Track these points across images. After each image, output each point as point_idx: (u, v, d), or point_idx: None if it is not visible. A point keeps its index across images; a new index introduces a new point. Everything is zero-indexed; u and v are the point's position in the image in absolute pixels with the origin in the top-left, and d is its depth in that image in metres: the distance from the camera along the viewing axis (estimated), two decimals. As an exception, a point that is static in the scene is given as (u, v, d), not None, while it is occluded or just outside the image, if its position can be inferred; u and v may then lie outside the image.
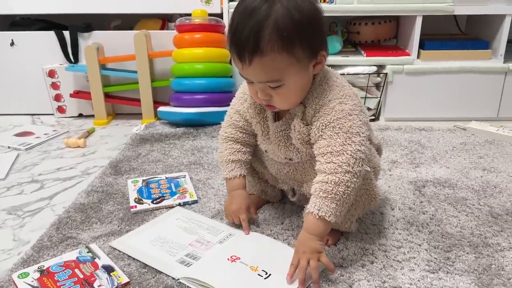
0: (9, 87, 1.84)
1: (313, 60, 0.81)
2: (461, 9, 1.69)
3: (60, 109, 1.84)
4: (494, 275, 0.84)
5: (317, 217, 0.80)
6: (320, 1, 1.75)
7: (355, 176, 0.80)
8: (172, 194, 1.13)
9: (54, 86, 1.81)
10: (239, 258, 0.86)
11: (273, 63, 0.77)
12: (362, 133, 0.83)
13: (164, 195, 1.13)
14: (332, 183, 0.80)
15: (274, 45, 0.75)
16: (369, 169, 0.83)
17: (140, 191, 1.14)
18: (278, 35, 0.75)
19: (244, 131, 0.99)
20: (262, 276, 0.83)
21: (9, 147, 1.53)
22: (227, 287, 0.80)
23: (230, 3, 1.73)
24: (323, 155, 0.82)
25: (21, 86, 1.83)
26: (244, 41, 0.76)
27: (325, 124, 0.82)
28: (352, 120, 0.82)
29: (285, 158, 0.94)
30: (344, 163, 0.80)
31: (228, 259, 0.87)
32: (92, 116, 1.82)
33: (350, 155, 0.80)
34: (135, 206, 1.08)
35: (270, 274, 0.83)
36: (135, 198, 1.11)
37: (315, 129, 0.84)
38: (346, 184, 0.80)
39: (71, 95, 1.80)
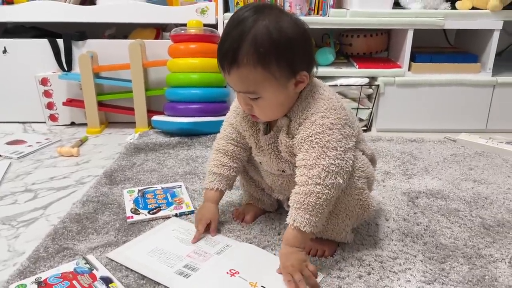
0: (0, 94, 1.82)
1: (291, 79, 0.83)
2: (451, 24, 1.73)
3: (52, 117, 1.83)
4: (488, 286, 0.86)
5: (293, 227, 0.83)
6: (313, 14, 1.78)
7: (327, 188, 0.82)
8: (169, 204, 1.13)
9: (47, 94, 1.80)
10: (238, 273, 0.86)
11: (248, 76, 0.81)
12: (340, 147, 0.84)
13: (161, 205, 1.13)
14: (303, 193, 0.82)
15: (250, 59, 0.79)
16: (342, 182, 0.84)
17: (136, 201, 1.14)
18: (255, 50, 0.79)
19: (236, 144, 1.01)
20: None
21: (0, 155, 1.51)
22: None
23: (225, 14, 1.75)
24: (298, 167, 0.85)
25: (13, 93, 1.82)
26: (225, 51, 0.81)
27: (304, 138, 0.85)
28: (331, 134, 0.84)
29: (278, 170, 0.96)
30: (315, 175, 0.82)
31: (227, 272, 0.87)
32: (84, 124, 1.81)
33: (322, 168, 0.82)
34: (132, 217, 1.08)
35: None
36: (132, 209, 1.11)
37: (296, 143, 0.86)
38: (317, 195, 0.82)
39: (64, 103, 1.79)
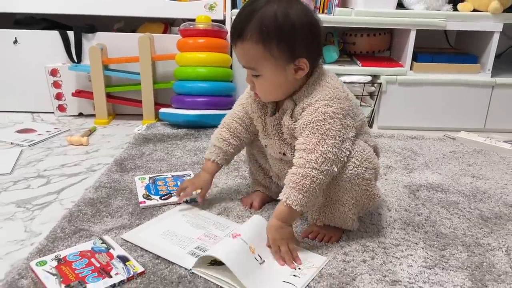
0: (10, 84, 1.85)
1: (290, 64, 0.89)
2: (452, 25, 1.77)
3: (61, 108, 1.86)
4: (486, 271, 0.90)
5: (285, 204, 0.88)
6: (319, 12, 1.82)
7: (322, 173, 0.87)
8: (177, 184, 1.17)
9: (56, 84, 1.83)
10: (240, 235, 0.90)
11: (250, 51, 0.88)
12: (339, 137, 0.89)
13: (171, 192, 1.16)
14: (300, 175, 0.87)
15: (253, 35, 0.87)
16: (336, 170, 0.89)
17: (148, 188, 1.18)
18: (259, 28, 0.86)
19: (240, 123, 1.06)
20: (257, 261, 0.87)
21: (12, 143, 1.54)
22: (231, 264, 0.82)
23: (233, 10, 1.78)
24: (298, 150, 0.90)
25: (22, 83, 1.85)
26: (236, 26, 0.89)
27: (306, 123, 0.89)
28: (332, 123, 0.88)
29: (280, 152, 1.00)
30: (313, 160, 0.87)
31: (229, 236, 0.91)
32: (92, 115, 1.85)
33: (320, 154, 0.87)
34: (144, 202, 1.11)
35: (264, 261, 0.88)
36: (143, 194, 1.15)
37: (298, 127, 0.91)
38: (312, 179, 0.86)
39: (73, 94, 1.82)
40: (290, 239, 0.91)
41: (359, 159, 0.91)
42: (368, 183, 0.94)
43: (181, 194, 1.09)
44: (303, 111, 0.91)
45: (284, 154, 0.99)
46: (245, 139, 1.08)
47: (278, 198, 0.90)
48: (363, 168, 0.92)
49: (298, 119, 0.91)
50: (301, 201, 0.87)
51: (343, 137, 0.89)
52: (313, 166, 0.87)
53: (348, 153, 0.90)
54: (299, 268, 0.88)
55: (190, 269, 0.87)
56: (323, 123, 0.88)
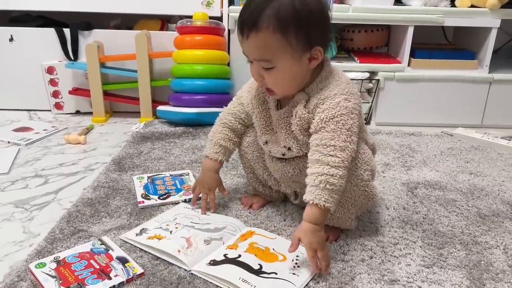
0: (6, 82, 1.84)
1: (307, 52, 0.86)
2: (450, 21, 1.77)
3: (58, 106, 1.86)
4: (483, 270, 0.91)
5: (323, 208, 0.85)
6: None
7: (348, 170, 0.87)
8: (178, 190, 1.17)
9: (53, 82, 1.82)
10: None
11: (266, 42, 0.84)
12: (357, 134, 0.89)
13: (170, 191, 1.16)
14: (338, 176, 0.85)
15: (270, 25, 0.82)
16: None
17: (146, 187, 1.18)
18: (276, 17, 0.82)
19: (243, 123, 1.06)
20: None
21: (9, 142, 1.54)
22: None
23: (230, 7, 1.77)
24: (325, 146, 0.86)
25: (19, 81, 1.84)
26: (247, 16, 0.84)
27: (329, 117, 0.87)
28: (353, 118, 0.88)
29: (284, 146, 0.97)
30: (346, 159, 0.86)
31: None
32: (89, 113, 1.84)
33: (350, 152, 0.86)
34: (143, 202, 1.11)
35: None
36: (142, 194, 1.15)
37: (318, 120, 0.88)
38: (345, 178, 0.87)
39: (70, 92, 1.81)
40: (325, 243, 0.88)
41: (360, 161, 0.92)
42: (367, 184, 0.94)
43: (201, 204, 1.07)
44: (321, 104, 0.88)
45: (289, 148, 0.97)
46: (242, 133, 1.08)
47: (306, 200, 0.86)
48: (363, 170, 0.92)
49: (316, 112, 0.89)
50: (337, 201, 0.87)
51: (358, 134, 0.90)
52: (346, 165, 0.86)
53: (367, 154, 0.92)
54: (298, 267, 0.88)
55: (190, 270, 0.87)
56: (346, 117, 0.87)
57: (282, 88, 0.91)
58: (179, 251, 0.90)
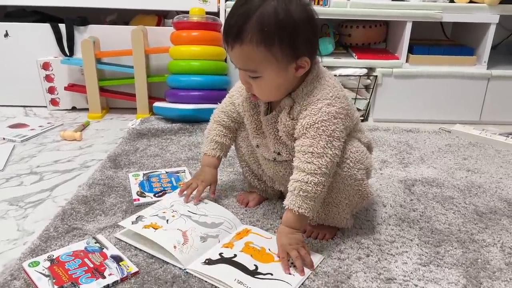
0: (1, 78, 1.82)
1: (292, 63, 0.85)
2: (448, 17, 1.76)
3: (54, 102, 1.84)
4: (480, 268, 0.90)
5: (297, 213, 0.85)
6: (314, 3, 1.80)
7: (330, 177, 0.87)
8: (173, 188, 1.16)
9: (48, 78, 1.81)
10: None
11: (250, 54, 0.83)
12: (342, 138, 0.88)
13: (166, 189, 1.16)
14: (312, 183, 0.85)
15: (253, 38, 0.81)
16: (337, 170, 0.90)
17: (141, 185, 1.17)
18: (259, 30, 0.80)
19: (236, 121, 1.06)
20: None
21: (4, 138, 1.53)
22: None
23: (227, 2, 1.76)
24: (304, 153, 0.87)
25: (14, 77, 1.82)
26: (230, 27, 0.83)
27: (310, 123, 0.87)
28: (336, 124, 0.87)
29: (274, 152, 0.97)
30: (323, 165, 0.85)
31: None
32: (85, 109, 1.83)
33: (330, 158, 0.85)
34: (138, 199, 1.11)
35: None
36: (138, 191, 1.14)
37: (300, 127, 0.88)
38: (323, 184, 0.86)
39: (65, 88, 1.80)
40: (300, 245, 0.88)
41: (352, 161, 0.91)
42: (361, 183, 0.93)
43: (186, 191, 1.06)
44: (304, 110, 0.88)
45: (278, 153, 0.97)
46: (236, 129, 1.08)
47: (284, 205, 0.87)
48: (356, 170, 0.91)
49: (299, 118, 0.89)
50: (313, 207, 0.87)
51: (343, 138, 0.89)
52: (324, 172, 0.85)
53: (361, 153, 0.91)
54: (294, 266, 0.87)
55: (185, 269, 0.86)
56: (328, 123, 0.86)
57: (268, 96, 0.91)
58: (175, 247, 0.89)
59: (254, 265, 0.87)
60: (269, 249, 0.92)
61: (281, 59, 0.84)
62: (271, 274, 0.85)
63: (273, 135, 0.96)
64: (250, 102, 0.98)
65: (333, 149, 0.86)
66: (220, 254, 0.90)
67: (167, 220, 0.97)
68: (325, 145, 0.85)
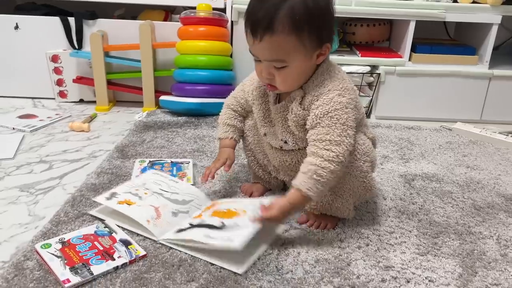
0: (11, 69, 1.86)
1: (317, 50, 0.88)
2: (451, 16, 1.78)
3: (62, 94, 1.88)
4: (476, 259, 0.93)
5: (305, 195, 0.87)
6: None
7: (344, 167, 0.89)
8: (172, 176, 1.20)
9: (57, 71, 1.84)
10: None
11: (281, 43, 0.85)
12: (354, 128, 0.91)
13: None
14: (328, 170, 0.87)
15: (285, 27, 0.84)
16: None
17: (143, 170, 1.22)
18: (291, 18, 0.83)
19: (242, 107, 1.09)
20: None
21: (13, 128, 1.56)
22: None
23: (234, -1, 1.79)
24: (321, 141, 0.89)
25: (23, 69, 1.86)
26: (260, 18, 0.84)
27: (324, 113, 0.89)
28: (348, 113, 0.90)
29: (281, 140, 1.00)
30: (341, 154, 0.87)
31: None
32: (93, 102, 1.86)
33: (346, 147, 0.88)
34: None
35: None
36: (137, 176, 1.19)
37: (313, 116, 0.90)
38: (337, 173, 0.88)
39: (74, 81, 1.83)
40: (282, 219, 0.92)
41: (360, 153, 0.93)
42: (366, 175, 0.96)
43: (206, 173, 1.06)
44: (316, 101, 0.91)
45: (285, 142, 1.00)
46: (244, 116, 1.11)
47: (293, 185, 0.88)
48: (362, 161, 0.94)
49: (311, 109, 0.91)
50: (321, 194, 0.89)
51: (355, 128, 0.91)
52: (341, 160, 0.87)
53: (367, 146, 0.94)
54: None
55: (158, 240, 0.92)
56: (341, 112, 0.89)
57: (291, 85, 0.93)
58: (148, 221, 0.95)
59: (221, 222, 0.92)
60: (234, 208, 0.97)
61: (309, 47, 0.87)
62: (238, 225, 0.90)
63: (281, 124, 0.98)
64: (259, 91, 1.01)
65: (348, 138, 0.88)
66: (190, 223, 0.95)
67: (140, 197, 1.03)
68: (341, 133, 0.88)
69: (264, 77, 0.92)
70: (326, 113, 0.89)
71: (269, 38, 0.85)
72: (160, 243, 0.91)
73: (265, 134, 1.05)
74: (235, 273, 0.85)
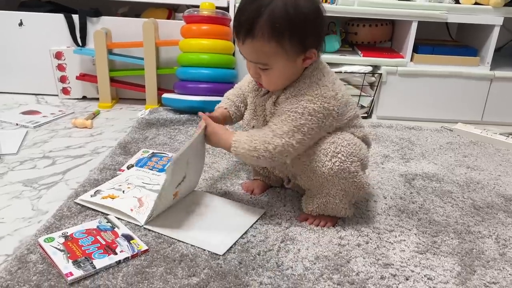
0: (15, 66, 1.87)
1: (301, 55, 0.90)
2: (453, 17, 1.79)
3: (65, 91, 1.89)
4: (475, 257, 0.94)
5: (232, 140, 0.94)
6: (322, 1, 1.83)
7: (271, 158, 0.92)
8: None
9: (60, 67, 1.85)
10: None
11: (262, 48, 0.87)
12: (309, 135, 0.91)
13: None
14: (262, 141, 0.91)
15: (264, 33, 0.85)
16: (288, 161, 0.95)
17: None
18: (270, 25, 0.84)
19: (240, 96, 1.12)
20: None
21: (17, 124, 1.57)
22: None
23: (237, -3, 1.80)
24: (269, 126, 0.93)
25: (27, 65, 1.87)
26: (242, 22, 0.87)
27: (285, 110, 0.92)
28: (308, 120, 0.90)
29: None
30: (273, 145, 0.90)
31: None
32: (96, 99, 1.87)
33: (282, 144, 0.90)
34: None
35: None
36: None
37: (280, 109, 0.93)
38: (259, 158, 0.91)
39: (77, 78, 1.84)
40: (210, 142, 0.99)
41: (344, 155, 0.93)
42: (355, 175, 0.96)
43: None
44: (287, 99, 0.93)
45: None
46: (243, 104, 1.12)
47: (236, 132, 0.95)
48: (349, 163, 0.94)
49: (281, 105, 0.94)
50: (243, 152, 0.92)
51: (313, 136, 0.92)
52: (270, 149, 0.90)
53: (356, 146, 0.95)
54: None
55: (142, 226, 0.96)
56: (300, 116, 0.90)
57: (276, 85, 0.95)
58: (131, 209, 1.00)
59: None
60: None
61: (291, 52, 0.88)
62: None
63: (262, 118, 1.02)
64: (254, 84, 1.04)
65: (291, 139, 0.90)
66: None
67: (123, 191, 1.07)
68: (287, 132, 0.90)
69: (252, 75, 0.96)
70: (287, 110, 0.91)
71: (250, 42, 0.88)
72: (145, 228, 0.95)
73: (253, 127, 1.07)
74: (235, 268, 0.86)
